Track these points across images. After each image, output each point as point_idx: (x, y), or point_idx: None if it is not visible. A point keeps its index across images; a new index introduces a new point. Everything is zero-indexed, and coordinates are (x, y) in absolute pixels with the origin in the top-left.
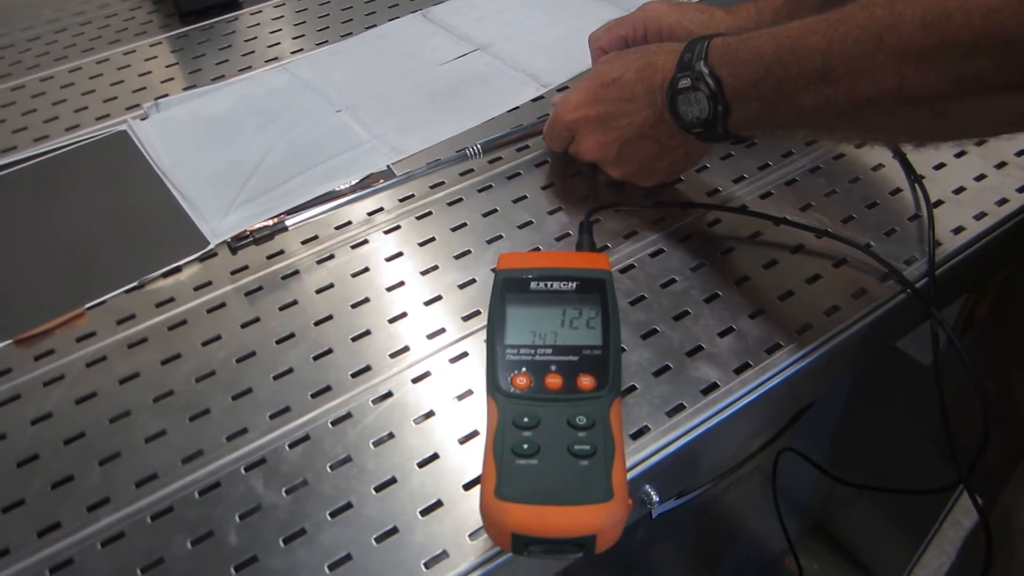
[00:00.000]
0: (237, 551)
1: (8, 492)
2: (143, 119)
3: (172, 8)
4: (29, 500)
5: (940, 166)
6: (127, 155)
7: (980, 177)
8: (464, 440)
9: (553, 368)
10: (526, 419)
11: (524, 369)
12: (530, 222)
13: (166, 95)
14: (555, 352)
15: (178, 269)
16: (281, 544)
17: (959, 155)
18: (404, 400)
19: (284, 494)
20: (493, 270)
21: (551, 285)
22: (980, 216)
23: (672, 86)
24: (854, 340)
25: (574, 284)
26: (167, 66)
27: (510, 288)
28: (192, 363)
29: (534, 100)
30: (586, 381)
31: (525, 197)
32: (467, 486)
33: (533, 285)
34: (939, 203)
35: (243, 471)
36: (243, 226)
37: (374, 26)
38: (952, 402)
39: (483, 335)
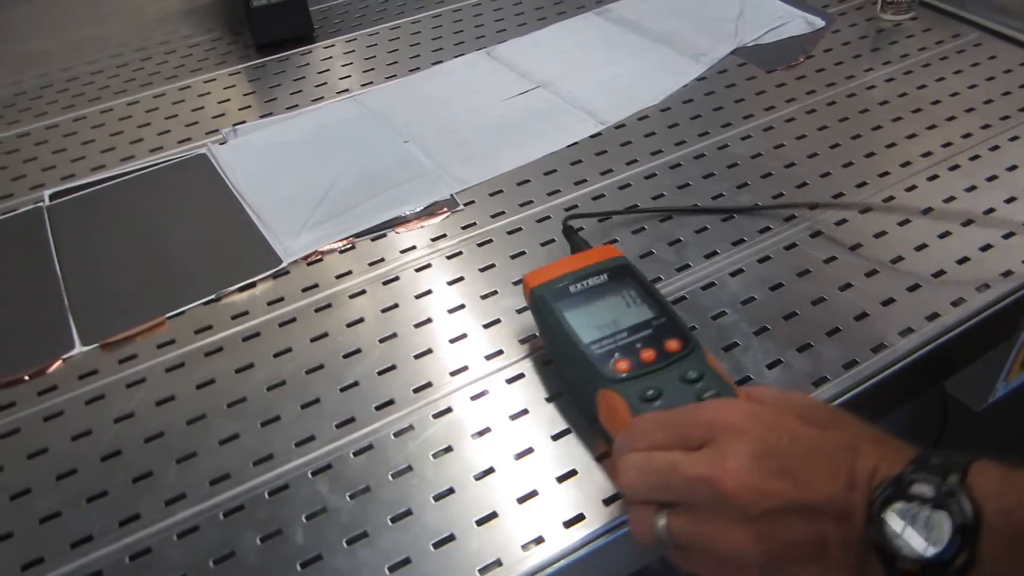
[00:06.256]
0: (303, 549)
1: (92, 484)
2: (222, 143)
3: (250, 40)
4: (112, 492)
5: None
6: (206, 177)
7: None
8: (519, 456)
9: (639, 345)
10: (650, 391)
11: (617, 355)
12: None
13: (243, 122)
14: (630, 333)
15: (253, 285)
16: (344, 545)
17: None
18: (462, 416)
19: (348, 498)
20: (517, 282)
21: (587, 283)
22: None
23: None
24: (900, 377)
25: (604, 276)
26: (244, 95)
27: (555, 298)
28: (264, 372)
29: (592, 136)
30: (672, 344)
31: (582, 228)
32: (521, 499)
33: (572, 288)
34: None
35: (310, 475)
36: (314, 246)
37: (440, 62)
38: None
39: (539, 357)
